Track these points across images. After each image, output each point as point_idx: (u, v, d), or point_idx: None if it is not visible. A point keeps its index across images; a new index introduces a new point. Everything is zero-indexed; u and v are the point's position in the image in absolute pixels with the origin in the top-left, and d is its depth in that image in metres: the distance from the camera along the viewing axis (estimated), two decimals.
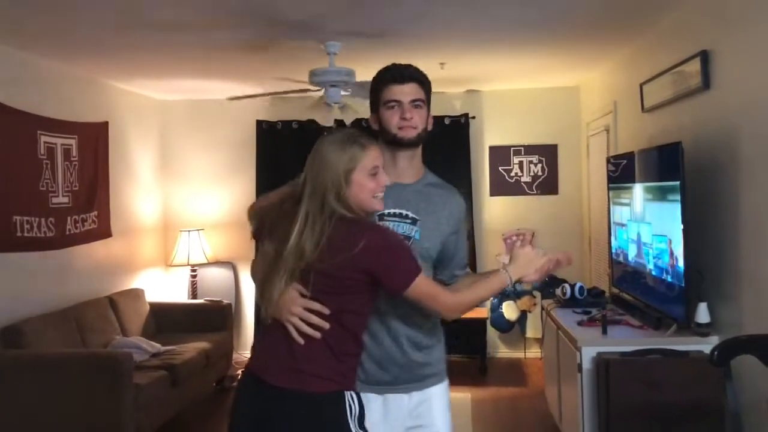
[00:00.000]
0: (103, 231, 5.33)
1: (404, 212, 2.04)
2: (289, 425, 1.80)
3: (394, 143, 2.03)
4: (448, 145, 6.26)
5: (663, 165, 3.43)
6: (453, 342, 6.57)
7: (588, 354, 3.29)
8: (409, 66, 2.07)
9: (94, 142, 5.23)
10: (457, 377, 5.67)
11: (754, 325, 2.90)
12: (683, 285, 3.14)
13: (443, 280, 2.17)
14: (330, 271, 1.79)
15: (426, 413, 2.09)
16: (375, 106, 2.07)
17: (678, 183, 3.14)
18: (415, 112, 2.02)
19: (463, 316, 5.99)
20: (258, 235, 1.97)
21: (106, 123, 5.43)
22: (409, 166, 2.08)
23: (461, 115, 6.29)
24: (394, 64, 2.08)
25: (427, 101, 2.08)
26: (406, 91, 2.02)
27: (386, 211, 2.00)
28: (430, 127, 2.09)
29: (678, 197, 3.14)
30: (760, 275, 2.88)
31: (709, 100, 3.35)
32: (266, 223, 1.93)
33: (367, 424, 1.89)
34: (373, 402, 2.02)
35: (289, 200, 1.89)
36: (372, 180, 1.86)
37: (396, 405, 2.06)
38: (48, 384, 3.78)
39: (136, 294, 5.49)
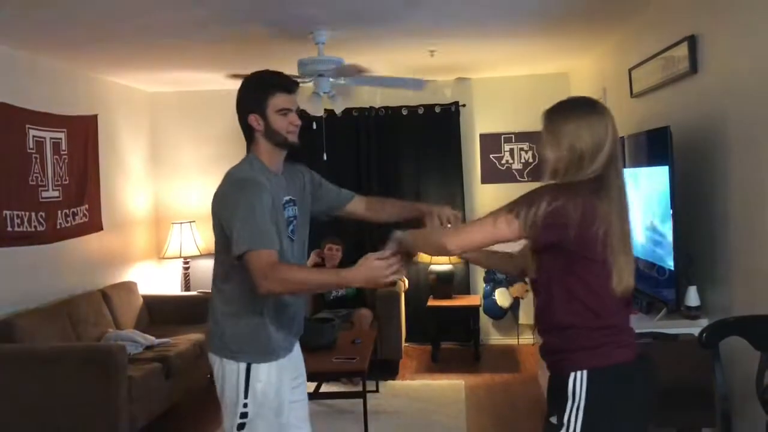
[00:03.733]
0: (95, 224, 5.32)
1: (292, 197, 2.38)
2: None
3: (284, 145, 2.32)
4: (438, 133, 6.27)
5: (652, 149, 3.45)
6: (446, 329, 6.60)
7: None
8: (289, 76, 2.36)
9: (84, 136, 5.21)
10: (451, 364, 5.76)
11: (743, 308, 2.92)
12: (673, 269, 3.16)
13: (349, 211, 2.61)
14: None
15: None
16: (259, 108, 2.28)
17: (667, 167, 3.16)
18: (298, 119, 2.33)
19: (453, 303, 5.99)
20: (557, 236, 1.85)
21: (96, 116, 5.40)
22: (282, 161, 2.39)
23: (451, 103, 6.29)
24: (278, 73, 2.34)
25: None
26: (294, 100, 2.33)
27: (285, 198, 2.34)
28: None
29: (667, 181, 3.16)
30: (748, 258, 2.90)
31: (697, 85, 3.36)
32: (573, 219, 1.81)
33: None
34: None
35: (572, 188, 1.85)
36: None
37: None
38: (42, 378, 3.78)
39: (129, 287, 5.49)
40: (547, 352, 1.97)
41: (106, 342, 4.53)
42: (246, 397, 2.31)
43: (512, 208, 1.85)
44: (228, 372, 2.34)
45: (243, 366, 2.31)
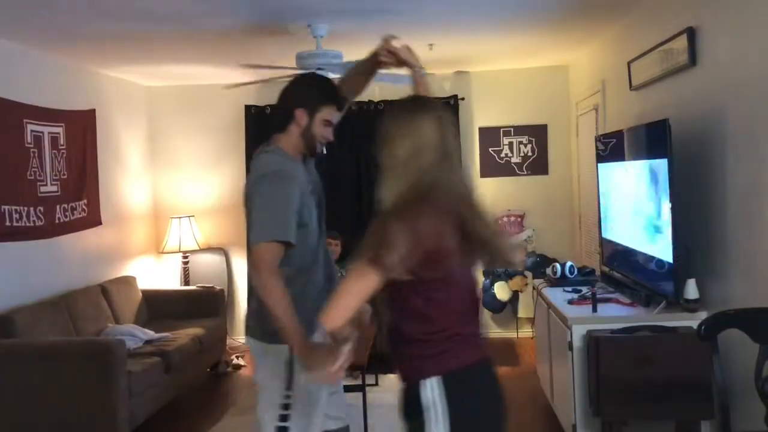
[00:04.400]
0: (93, 219, 5.31)
1: (311, 185, 2.40)
2: None
3: (311, 150, 2.38)
4: None
5: (651, 142, 3.44)
6: None
7: (578, 332, 3.32)
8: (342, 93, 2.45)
9: (82, 130, 5.20)
10: None
11: (741, 300, 2.92)
12: (672, 262, 3.16)
13: None
14: None
15: None
16: (310, 108, 2.31)
17: (666, 160, 3.15)
18: (332, 135, 2.41)
19: None
20: None
21: (93, 110, 5.39)
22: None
23: (450, 97, 6.28)
24: (337, 86, 2.42)
25: None
26: (338, 117, 2.40)
27: (310, 187, 2.35)
28: None
29: (666, 174, 3.16)
30: (747, 250, 2.90)
31: (696, 77, 3.35)
32: None
33: None
34: None
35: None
36: None
37: None
38: (41, 373, 3.78)
39: (128, 281, 5.49)
40: (396, 360, 1.90)
41: (105, 337, 4.53)
42: (289, 388, 2.27)
43: (370, 257, 1.72)
44: (272, 357, 2.31)
45: (287, 349, 2.25)
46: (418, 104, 1.92)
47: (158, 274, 6.38)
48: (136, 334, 4.66)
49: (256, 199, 2.23)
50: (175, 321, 5.19)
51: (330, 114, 2.35)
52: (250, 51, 4.93)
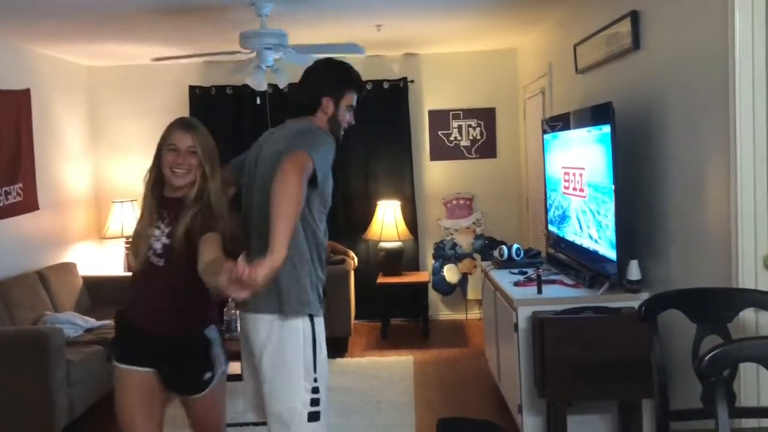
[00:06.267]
0: (29, 204, 5.11)
1: None
2: None
3: (336, 136, 2.41)
4: (387, 109, 6.20)
5: (595, 125, 3.47)
6: (396, 306, 6.57)
7: (524, 313, 3.34)
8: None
9: (15, 111, 4.97)
10: (400, 341, 5.78)
11: (681, 281, 2.98)
12: (615, 243, 3.20)
13: None
14: None
15: None
16: (335, 96, 2.40)
17: (609, 142, 3.18)
18: (353, 119, 2.51)
19: (403, 280, 6.01)
20: None
21: (28, 90, 5.16)
22: None
23: (400, 79, 6.24)
24: (356, 71, 2.49)
25: None
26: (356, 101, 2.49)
27: None
28: None
29: (610, 156, 3.18)
30: (686, 232, 2.95)
31: (639, 61, 3.38)
32: None
33: None
34: None
35: None
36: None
37: None
38: None
39: (68, 268, 5.31)
40: None
41: (43, 325, 4.37)
42: (315, 370, 2.19)
43: None
44: (291, 335, 2.19)
45: (307, 322, 2.20)
46: None
47: (100, 260, 6.20)
48: (76, 322, 4.52)
49: (309, 139, 2.21)
50: (117, 308, 5.03)
51: (352, 99, 2.45)
52: (192, 30, 4.78)
